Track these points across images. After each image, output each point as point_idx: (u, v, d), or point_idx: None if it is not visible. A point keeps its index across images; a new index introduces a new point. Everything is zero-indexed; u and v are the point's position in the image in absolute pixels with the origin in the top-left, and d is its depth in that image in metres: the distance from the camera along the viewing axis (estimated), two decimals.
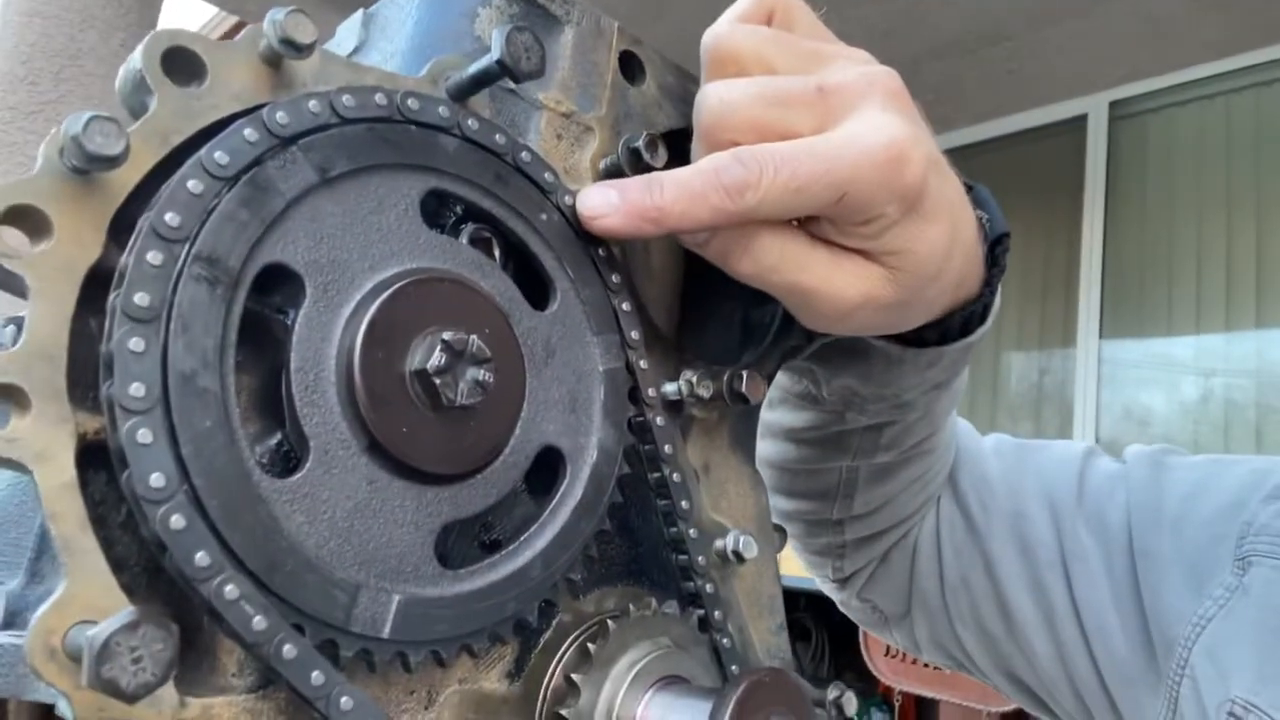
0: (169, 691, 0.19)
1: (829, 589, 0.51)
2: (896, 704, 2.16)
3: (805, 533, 0.48)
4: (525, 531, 0.25)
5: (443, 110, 0.25)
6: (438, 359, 0.22)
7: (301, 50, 0.22)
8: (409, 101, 0.24)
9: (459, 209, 0.26)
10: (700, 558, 0.29)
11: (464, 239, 0.26)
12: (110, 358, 0.19)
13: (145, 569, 0.20)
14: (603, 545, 0.28)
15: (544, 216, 0.26)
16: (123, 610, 0.18)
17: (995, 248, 0.36)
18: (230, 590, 0.19)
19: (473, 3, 0.29)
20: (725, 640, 0.29)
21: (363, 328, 0.22)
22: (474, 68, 0.25)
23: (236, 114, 0.22)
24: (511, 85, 0.28)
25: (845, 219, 0.28)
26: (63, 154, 0.20)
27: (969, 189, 0.35)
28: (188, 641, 0.20)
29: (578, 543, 0.25)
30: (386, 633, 0.21)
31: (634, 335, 0.28)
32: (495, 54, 0.24)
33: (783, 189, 0.26)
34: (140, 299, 0.19)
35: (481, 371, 0.23)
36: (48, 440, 0.19)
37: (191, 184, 0.20)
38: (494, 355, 0.23)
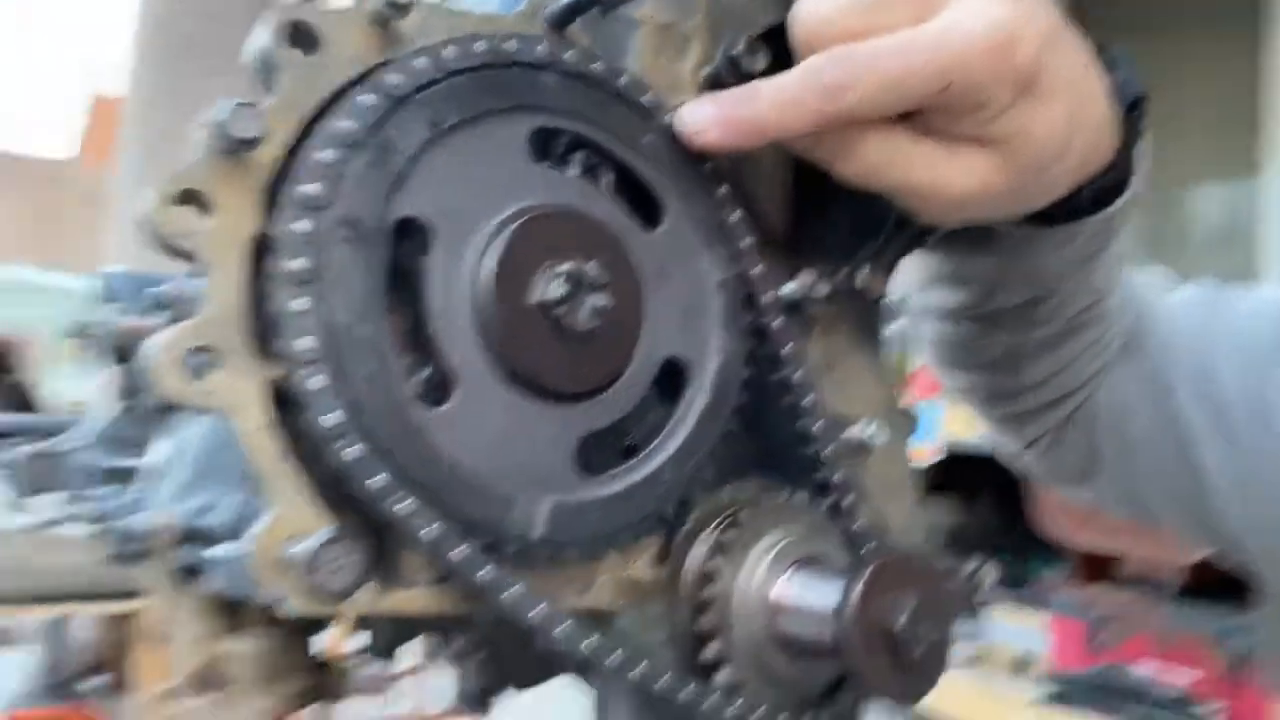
0: (366, 590, 0.23)
1: (1013, 454, 0.52)
2: (1071, 561, 2.13)
3: (981, 406, 0.48)
4: (657, 437, 0.27)
5: (539, 49, 0.26)
6: (557, 290, 0.24)
7: (403, 9, 0.24)
8: (507, 44, 0.25)
9: (566, 141, 0.27)
10: (828, 449, 0.31)
11: (574, 170, 0.27)
12: (277, 318, 0.22)
13: (335, 492, 0.24)
14: (734, 443, 0.30)
15: (647, 139, 0.27)
16: (321, 529, 0.22)
17: (1132, 112, 0.34)
18: (403, 507, 0.22)
19: None
20: (856, 524, 0.31)
21: (488, 268, 0.24)
22: (524, 5, 0.26)
23: (355, 79, 0.24)
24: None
25: (953, 109, 0.27)
26: (213, 138, 0.22)
27: (1100, 50, 0.33)
28: (376, 549, 0.24)
29: (705, 444, 0.27)
30: (539, 534, 0.24)
31: (745, 244, 0.29)
32: (538, 5, 0.25)
33: (880, 84, 0.26)
34: (296, 264, 0.22)
35: (599, 298, 0.25)
36: (240, 391, 0.22)
37: (324, 154, 0.23)
38: (609, 280, 0.25)
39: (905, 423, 0.36)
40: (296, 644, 0.37)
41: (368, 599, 0.23)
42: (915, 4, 0.27)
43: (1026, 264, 0.38)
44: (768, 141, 0.28)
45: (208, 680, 0.37)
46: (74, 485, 0.50)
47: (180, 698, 0.37)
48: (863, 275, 0.31)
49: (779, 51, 0.31)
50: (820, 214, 0.33)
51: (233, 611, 0.36)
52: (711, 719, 0.27)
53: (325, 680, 0.40)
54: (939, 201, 0.29)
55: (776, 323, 0.30)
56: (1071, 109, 0.29)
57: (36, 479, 0.59)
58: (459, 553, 0.23)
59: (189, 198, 0.22)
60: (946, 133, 0.28)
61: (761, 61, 0.30)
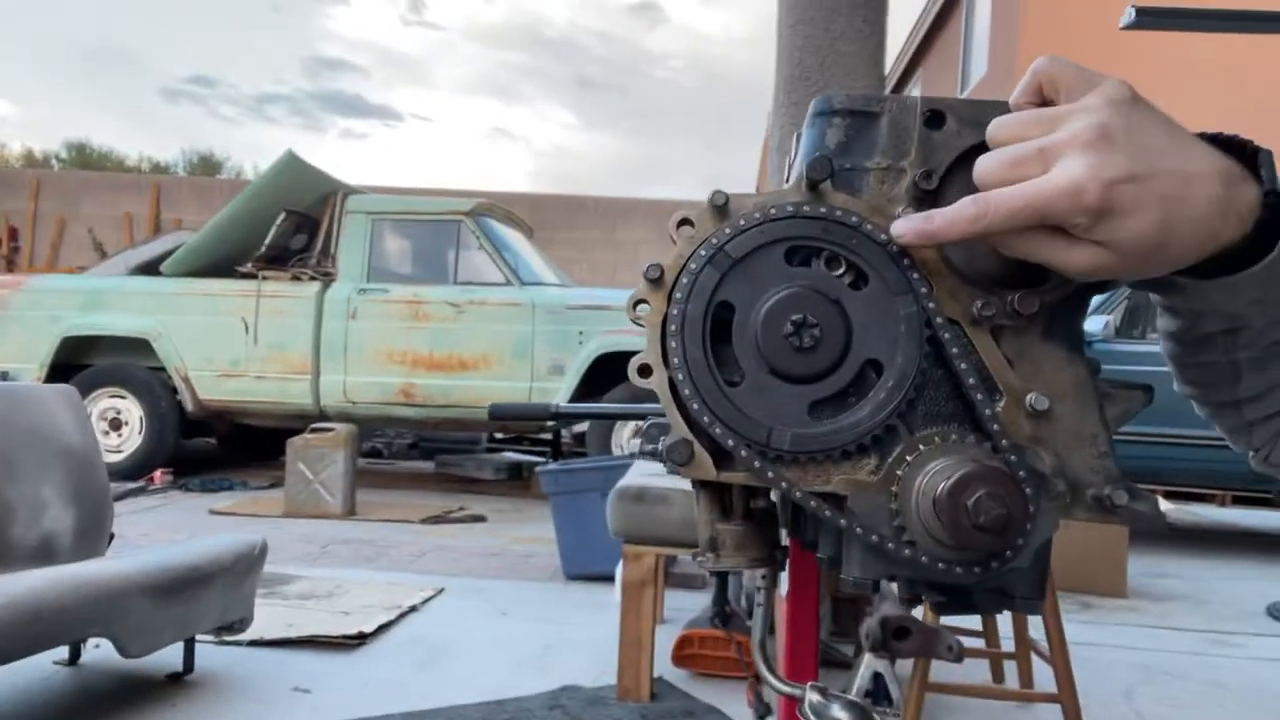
0: (710, 464, 0.51)
1: (1246, 456, 0.58)
2: None
3: (1211, 415, 0.57)
4: (860, 402, 0.50)
5: (789, 206, 0.51)
6: (789, 328, 0.49)
7: (725, 203, 0.52)
8: (773, 209, 0.51)
9: (815, 250, 0.52)
10: (995, 410, 0.49)
11: (819, 265, 0.52)
12: (668, 350, 0.51)
13: (691, 423, 0.52)
14: (931, 402, 0.51)
15: (855, 242, 0.51)
16: (680, 435, 0.51)
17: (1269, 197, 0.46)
18: (718, 429, 0.50)
19: (824, 126, 0.54)
20: (1013, 457, 0.49)
21: (758, 320, 0.50)
22: (796, 174, 0.51)
23: (703, 239, 0.52)
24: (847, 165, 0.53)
25: (1062, 225, 0.45)
26: (649, 271, 0.53)
27: (1243, 149, 0.47)
28: (715, 450, 0.52)
29: (891, 406, 0.49)
30: (787, 446, 0.50)
31: (923, 290, 0.50)
32: (801, 179, 0.50)
33: (1001, 217, 0.46)
34: (673, 325, 0.51)
35: (813, 331, 0.49)
36: (658, 381, 0.52)
37: (686, 276, 0.52)
38: (820, 321, 0.49)
39: (1095, 397, 0.51)
40: (758, 529, 0.67)
41: (708, 473, 0.51)
42: (1039, 163, 0.46)
43: (1208, 304, 0.50)
44: (938, 244, 0.48)
45: (712, 545, 0.69)
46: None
47: (699, 557, 0.69)
48: (1015, 301, 0.49)
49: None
50: (998, 260, 0.51)
51: (724, 507, 0.67)
52: (896, 557, 0.49)
53: (777, 553, 0.69)
54: (1072, 272, 0.47)
55: (946, 335, 0.50)
56: (1163, 216, 0.44)
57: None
58: (745, 453, 0.50)
59: (636, 303, 0.53)
60: (1070, 234, 0.46)
61: (933, 182, 0.50)
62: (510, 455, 7.89)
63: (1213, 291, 0.49)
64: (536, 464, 5.32)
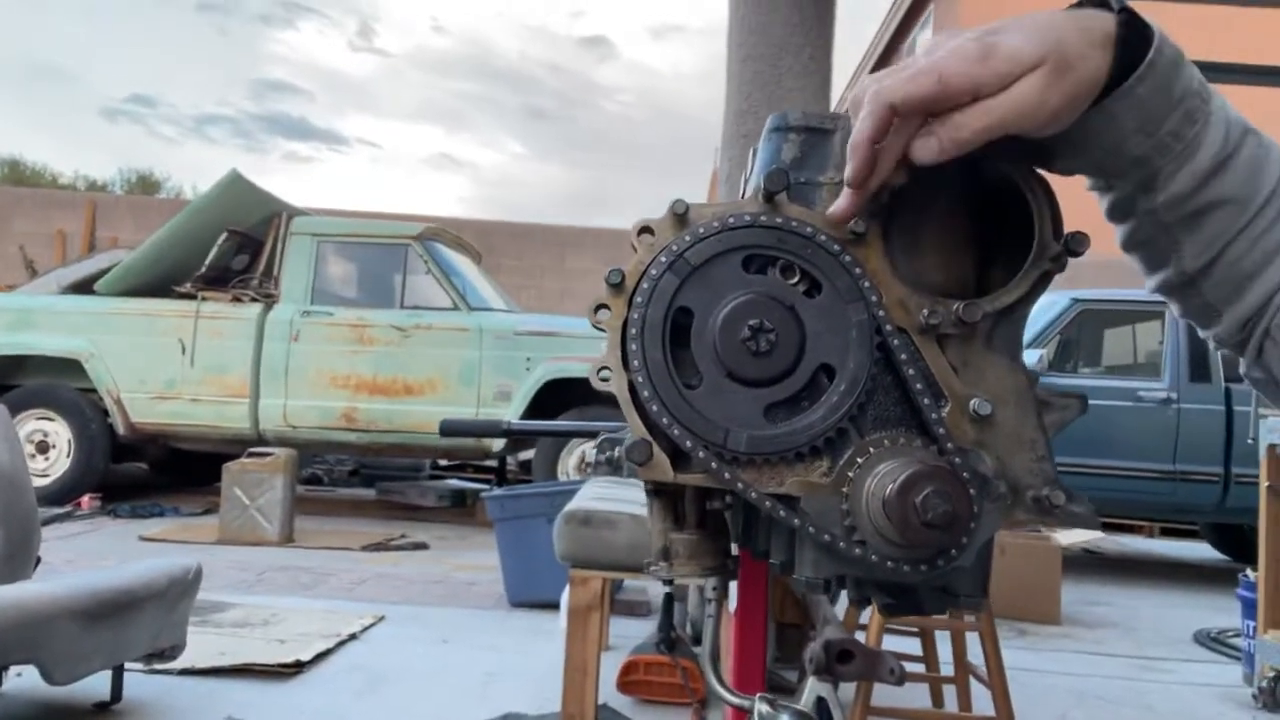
0: (667, 465, 0.53)
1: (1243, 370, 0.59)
2: None
3: (1177, 303, 0.59)
4: (813, 406, 0.52)
5: (747, 216, 0.53)
6: (746, 333, 0.51)
7: (686, 212, 0.54)
8: (731, 218, 0.53)
9: (770, 259, 0.54)
10: (941, 414, 0.52)
11: (774, 273, 0.54)
12: (631, 354, 0.52)
13: (649, 424, 0.53)
14: (880, 406, 0.53)
15: (809, 251, 0.53)
16: (640, 438, 0.52)
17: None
18: (675, 430, 0.51)
19: (780, 141, 0.56)
20: (957, 459, 0.51)
21: (717, 325, 0.52)
22: (753, 187, 0.53)
23: (665, 246, 0.54)
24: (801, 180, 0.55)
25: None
26: (611, 276, 0.54)
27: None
28: (673, 451, 0.53)
29: (843, 410, 0.51)
30: (743, 448, 0.51)
31: (873, 298, 0.52)
32: (758, 190, 0.52)
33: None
34: (633, 330, 0.52)
35: (769, 336, 0.51)
36: (619, 385, 0.53)
37: (646, 281, 0.53)
38: (776, 327, 0.51)
39: (1033, 404, 0.53)
40: (710, 538, 0.68)
41: (665, 474, 0.52)
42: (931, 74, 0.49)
43: (1100, 145, 0.52)
44: (869, 184, 0.51)
45: (665, 554, 0.70)
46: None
47: (652, 566, 0.70)
48: (960, 310, 0.52)
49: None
50: (942, 272, 0.54)
51: (677, 517, 0.68)
52: (847, 556, 0.51)
53: (729, 562, 0.71)
54: (1029, 108, 0.49)
55: (895, 341, 0.52)
56: (1049, 45, 0.49)
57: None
58: (703, 454, 0.51)
59: (598, 307, 0.55)
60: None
61: (884, 197, 0.53)
62: (454, 482, 7.79)
63: (1093, 124, 0.52)
64: (481, 491, 5.27)
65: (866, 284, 0.53)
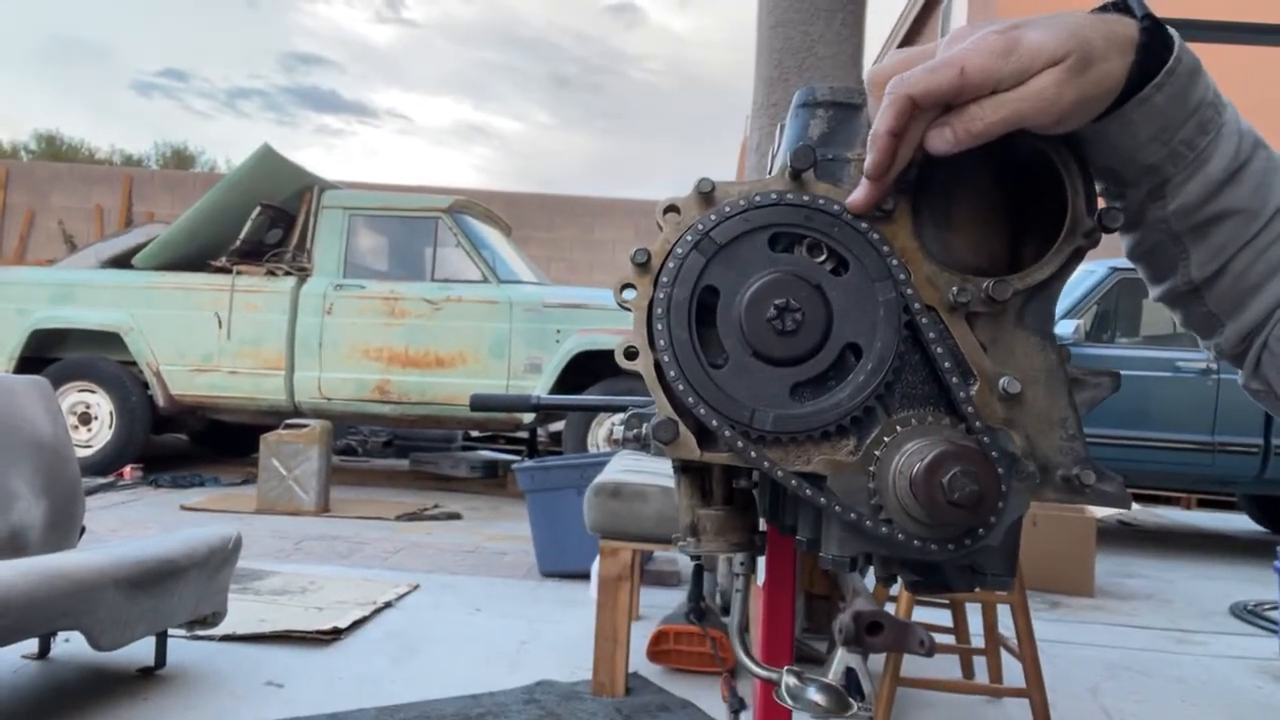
0: (694, 444, 0.53)
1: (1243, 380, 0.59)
2: None
3: (1180, 312, 0.59)
4: (840, 384, 0.52)
5: (773, 194, 0.53)
6: (772, 312, 0.51)
7: (711, 190, 0.53)
8: (757, 196, 0.53)
9: (797, 237, 0.53)
10: (970, 393, 0.51)
11: (803, 250, 0.53)
12: (654, 332, 0.53)
13: (677, 404, 0.54)
14: (909, 385, 0.52)
15: (836, 229, 0.52)
16: (666, 415, 0.52)
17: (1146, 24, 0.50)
18: (702, 410, 0.51)
19: (808, 117, 0.56)
20: (985, 439, 0.51)
21: (743, 304, 0.52)
22: (780, 163, 0.53)
23: (691, 224, 0.54)
24: (829, 156, 0.54)
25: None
26: (636, 256, 0.54)
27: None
28: (699, 431, 0.53)
29: (870, 388, 0.51)
30: (769, 427, 0.51)
31: (901, 277, 0.52)
32: (785, 168, 0.52)
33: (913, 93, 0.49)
34: (659, 309, 0.52)
35: (795, 315, 0.51)
36: (645, 365, 0.54)
37: (673, 259, 0.53)
38: (802, 306, 0.51)
39: (1064, 381, 0.53)
40: (737, 514, 0.68)
41: (692, 452, 0.53)
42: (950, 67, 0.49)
43: (1116, 152, 0.52)
44: (887, 176, 0.50)
45: (693, 530, 0.70)
46: None
47: (680, 541, 0.71)
48: (990, 288, 0.51)
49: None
50: (973, 249, 0.53)
51: (704, 493, 0.69)
52: (874, 535, 0.51)
53: (755, 538, 0.71)
54: (1044, 103, 0.48)
55: (924, 320, 0.51)
56: (1071, 43, 0.48)
57: None
58: (729, 433, 0.51)
59: (624, 287, 0.55)
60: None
61: (913, 172, 0.52)
62: (486, 454, 7.87)
63: (1110, 129, 0.51)
64: (512, 462, 5.32)
65: (894, 262, 0.52)
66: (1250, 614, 4.04)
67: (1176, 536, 6.44)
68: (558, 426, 6.68)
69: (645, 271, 0.54)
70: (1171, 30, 0.51)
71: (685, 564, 3.99)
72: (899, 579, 0.57)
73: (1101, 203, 0.53)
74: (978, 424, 0.51)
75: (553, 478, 3.97)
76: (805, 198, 0.53)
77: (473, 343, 5.95)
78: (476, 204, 6.75)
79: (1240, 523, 7.00)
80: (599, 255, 11.11)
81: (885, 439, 0.51)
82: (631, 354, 0.54)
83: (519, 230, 8.88)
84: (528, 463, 4.31)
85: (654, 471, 2.75)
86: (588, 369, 5.70)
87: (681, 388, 0.52)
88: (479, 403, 1.32)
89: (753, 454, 0.52)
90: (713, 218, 0.53)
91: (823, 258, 0.53)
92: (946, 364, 0.52)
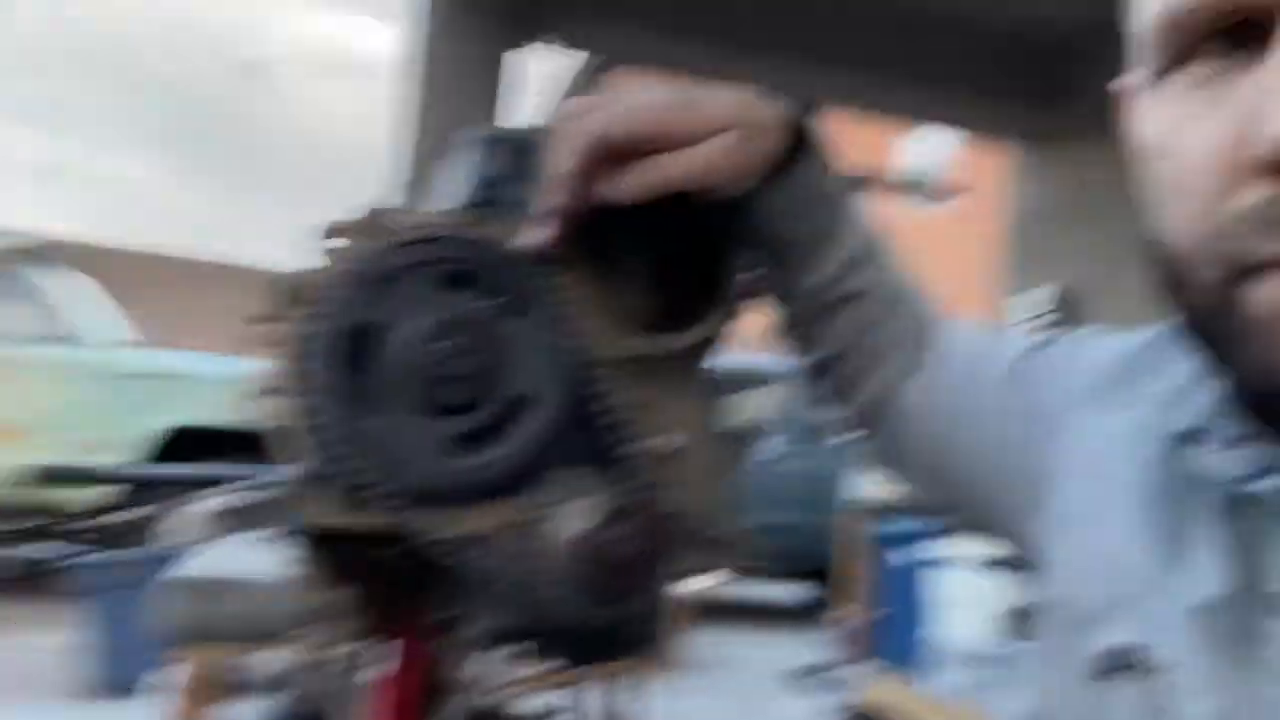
0: (336, 507, 0.46)
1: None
2: None
3: (816, 385, 0.64)
4: (503, 439, 0.48)
5: (447, 228, 0.49)
6: (436, 357, 0.46)
7: (375, 223, 0.48)
8: (430, 228, 0.49)
9: (473, 276, 0.50)
10: (634, 451, 0.50)
11: (473, 292, 0.49)
12: (305, 364, 0.45)
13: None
14: (571, 444, 0.50)
15: (507, 271, 0.49)
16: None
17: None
18: (352, 467, 0.45)
19: (481, 154, 0.53)
20: (647, 496, 0.50)
21: (407, 344, 0.46)
22: (452, 199, 0.49)
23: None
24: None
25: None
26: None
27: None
28: (351, 489, 0.46)
29: (536, 444, 0.48)
30: (426, 484, 0.46)
31: (572, 327, 0.50)
32: (460, 203, 0.48)
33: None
34: (310, 333, 0.45)
35: (460, 362, 0.46)
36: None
37: (342, 280, 0.46)
38: (468, 352, 0.47)
39: (715, 441, 0.54)
40: (379, 592, 0.60)
41: (334, 517, 0.46)
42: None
43: (776, 218, 0.56)
44: (564, 218, 0.49)
45: (316, 615, 0.61)
46: None
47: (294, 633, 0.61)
48: (659, 343, 0.51)
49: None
50: (634, 307, 0.53)
51: (335, 567, 0.60)
52: (531, 602, 0.47)
53: (386, 623, 0.63)
54: (725, 161, 0.50)
55: (592, 373, 0.50)
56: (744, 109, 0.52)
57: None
58: (377, 492, 0.45)
59: (268, 319, 0.47)
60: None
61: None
62: (27, 552, 6.55)
63: (762, 201, 0.55)
64: (64, 560, 4.48)
65: (566, 310, 0.50)
66: (810, 678, 4.52)
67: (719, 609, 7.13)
68: (128, 516, 5.79)
69: (295, 302, 0.47)
70: (806, 116, 0.56)
71: (269, 670, 3.60)
72: (546, 652, 0.54)
73: (755, 272, 0.56)
74: (641, 481, 0.50)
75: (116, 576, 3.42)
76: (477, 235, 0.50)
77: (33, 413, 4.99)
78: (57, 250, 5.80)
79: (776, 591, 7.61)
80: (210, 322, 10.09)
81: (549, 498, 0.49)
82: (271, 396, 0.46)
83: (116, 289, 7.79)
84: (88, 559, 3.68)
85: (244, 562, 2.46)
86: (190, 450, 5.01)
87: (326, 438, 0.45)
88: (54, 475, 1.08)
89: (403, 516, 0.46)
90: (378, 247, 0.48)
91: (493, 301, 0.49)
92: (613, 420, 0.51)
